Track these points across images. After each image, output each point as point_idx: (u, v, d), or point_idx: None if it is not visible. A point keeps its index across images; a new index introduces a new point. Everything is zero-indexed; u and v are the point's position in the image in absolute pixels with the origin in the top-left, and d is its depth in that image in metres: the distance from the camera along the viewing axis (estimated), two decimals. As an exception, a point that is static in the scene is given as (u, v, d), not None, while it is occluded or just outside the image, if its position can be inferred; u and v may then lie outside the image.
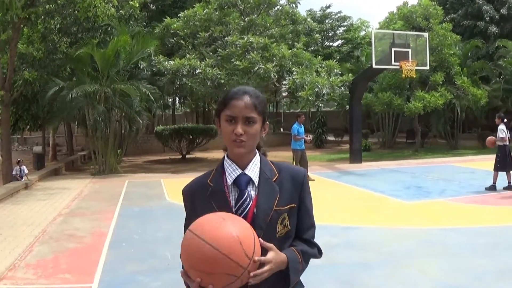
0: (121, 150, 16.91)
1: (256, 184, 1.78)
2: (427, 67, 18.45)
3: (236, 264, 1.46)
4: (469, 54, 24.64)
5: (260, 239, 1.61)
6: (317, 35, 21.98)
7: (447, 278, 5.34)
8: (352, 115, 18.45)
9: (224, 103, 1.78)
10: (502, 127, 10.94)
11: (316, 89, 16.14)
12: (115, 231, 7.82)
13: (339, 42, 31.72)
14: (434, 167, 16.19)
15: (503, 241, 6.71)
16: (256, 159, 1.82)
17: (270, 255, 1.61)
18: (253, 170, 1.79)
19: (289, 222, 1.78)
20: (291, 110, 42.35)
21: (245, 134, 1.72)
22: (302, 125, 13.17)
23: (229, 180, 1.78)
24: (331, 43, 32.07)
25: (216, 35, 16.77)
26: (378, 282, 5.33)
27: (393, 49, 17.07)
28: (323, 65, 17.81)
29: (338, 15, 32.12)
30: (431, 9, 21.39)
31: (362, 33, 31.58)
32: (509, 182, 10.96)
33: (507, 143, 10.83)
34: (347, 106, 23.51)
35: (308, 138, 13.62)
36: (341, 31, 32.01)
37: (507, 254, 6.07)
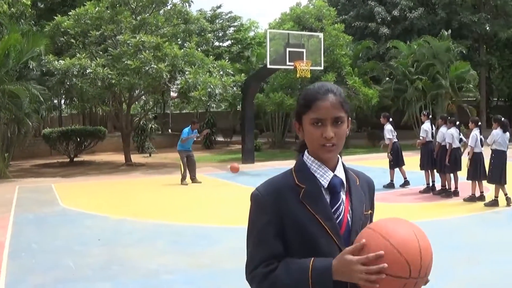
0: (9, 154, 18.17)
1: (346, 186, 1.92)
2: (321, 67, 21.60)
3: (408, 268, 1.63)
4: (360, 54, 29.04)
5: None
6: (209, 34, 24.59)
7: None
8: (244, 115, 21.14)
9: (307, 105, 1.85)
10: (388, 127, 12.95)
11: (209, 89, 18.36)
12: (12, 241, 8.41)
13: (229, 42, 34.76)
14: None
15: None
16: (340, 161, 1.95)
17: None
18: (341, 172, 1.92)
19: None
20: (183, 111, 44.88)
21: (335, 137, 1.82)
22: (195, 131, 15.35)
23: (324, 183, 1.87)
24: (221, 43, 35.05)
25: (108, 34, 18.57)
26: None
27: (287, 49, 19.67)
28: (216, 65, 20.25)
29: (229, 15, 35.33)
30: (324, 10, 25.01)
31: (252, 33, 34.85)
32: (405, 178, 13.42)
33: (396, 140, 13.19)
34: (239, 107, 26.21)
35: (206, 130, 15.84)
36: (231, 31, 35.11)
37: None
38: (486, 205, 11.04)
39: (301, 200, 1.84)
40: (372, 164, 19.01)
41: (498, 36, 35.09)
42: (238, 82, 19.99)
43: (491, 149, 11.23)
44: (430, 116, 13.52)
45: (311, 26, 24.63)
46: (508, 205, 10.84)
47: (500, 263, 6.91)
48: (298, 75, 20.14)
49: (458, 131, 12.34)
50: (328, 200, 1.86)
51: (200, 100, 18.60)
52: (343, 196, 1.89)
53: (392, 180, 13.29)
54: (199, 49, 23.05)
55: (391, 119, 13.16)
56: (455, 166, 12.07)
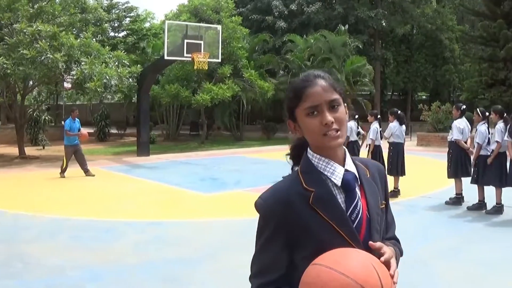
0: None
1: (359, 181, 1.94)
2: (219, 60, 23.91)
3: None
4: (257, 47, 31.97)
5: (370, 242, 1.83)
6: (106, 25, 26.25)
7: None
8: (140, 108, 23.09)
9: (297, 96, 1.90)
10: (376, 125, 12.91)
11: (105, 80, 19.94)
12: None
13: (125, 33, 36.48)
14: (225, 158, 21.43)
15: None
16: (347, 152, 1.98)
17: (388, 253, 1.83)
18: (351, 166, 1.95)
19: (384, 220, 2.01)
20: (77, 103, 46.07)
21: (336, 122, 1.84)
22: (77, 120, 16.37)
23: (336, 181, 1.89)
24: (116, 34, 36.71)
25: (4, 22, 20.01)
26: (201, 277, 6.79)
27: (185, 41, 21.54)
28: (112, 56, 21.96)
29: (125, 5, 37.08)
30: (222, 2, 27.49)
31: (148, 24, 36.82)
32: None
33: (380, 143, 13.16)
34: (134, 98, 28.10)
35: (85, 133, 16.35)
36: (127, 21, 36.86)
37: None
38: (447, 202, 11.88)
39: (311, 206, 1.85)
40: (269, 157, 21.36)
41: (395, 31, 39.23)
42: (134, 73, 21.81)
43: (388, 142, 12.64)
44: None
45: (208, 18, 27.04)
46: (395, 196, 11.99)
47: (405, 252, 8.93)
48: (195, 67, 22.12)
49: (357, 124, 13.60)
50: (342, 200, 1.87)
51: (95, 91, 20.06)
52: (358, 192, 1.91)
53: None
54: (94, 39, 24.58)
55: (379, 116, 13.50)
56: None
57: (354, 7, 36.98)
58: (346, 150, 1.98)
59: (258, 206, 1.96)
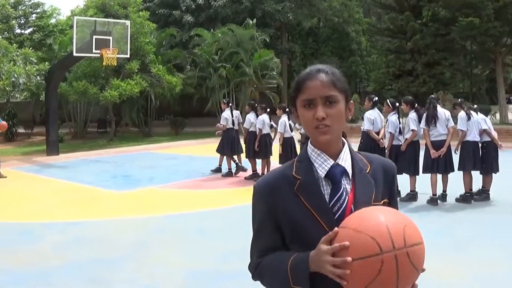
0: None
1: (350, 176, 2.16)
2: (128, 55, 25.37)
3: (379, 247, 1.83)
4: (164, 42, 33.96)
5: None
6: (13, 21, 27.18)
7: (195, 264, 7.54)
8: (48, 106, 23.73)
9: (298, 87, 2.16)
10: (285, 118, 13.96)
11: (13, 79, 21.15)
12: None
13: (31, 29, 37.31)
14: (135, 155, 22.69)
15: (236, 222, 9.81)
16: (346, 147, 2.22)
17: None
18: (345, 160, 2.18)
19: None
20: None
21: (328, 118, 2.08)
22: None
23: (321, 173, 2.14)
24: (23, 31, 37.51)
25: None
26: (127, 276, 7.10)
27: (94, 37, 22.55)
28: (19, 54, 23.12)
29: (32, 1, 37.85)
30: (129, -3, 29.17)
31: (54, 20, 37.86)
32: (220, 165, 15.97)
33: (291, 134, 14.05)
34: (42, 97, 28.92)
35: (3, 123, 16.42)
36: (33, 18, 37.72)
37: (241, 233, 9.34)
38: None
39: (296, 193, 2.11)
40: (179, 152, 23.00)
41: (302, 25, 42.01)
42: (42, 71, 23.18)
43: (300, 133, 14.17)
44: (231, 104, 16.21)
45: (116, 13, 28.63)
46: None
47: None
48: (104, 63, 23.48)
49: (269, 117, 14.71)
50: (328, 191, 2.11)
51: (4, 90, 21.39)
52: (346, 186, 2.13)
53: (254, 170, 15.09)
54: (1, 36, 25.56)
55: (287, 110, 14.29)
56: (266, 151, 14.52)
57: (261, 1, 39.57)
58: (347, 145, 2.22)
59: (253, 188, 2.25)
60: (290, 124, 14.01)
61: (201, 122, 37.40)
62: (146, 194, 13.50)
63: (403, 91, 32.75)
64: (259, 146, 14.49)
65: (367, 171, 2.21)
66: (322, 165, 2.16)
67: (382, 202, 2.19)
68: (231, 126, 15.75)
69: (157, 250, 8.35)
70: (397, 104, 12.36)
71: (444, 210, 10.73)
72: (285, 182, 2.17)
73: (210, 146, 17.85)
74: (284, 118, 13.98)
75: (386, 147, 11.90)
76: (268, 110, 15.11)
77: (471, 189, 11.34)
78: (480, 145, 11.42)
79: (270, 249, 2.19)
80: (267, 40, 36.83)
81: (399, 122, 12.14)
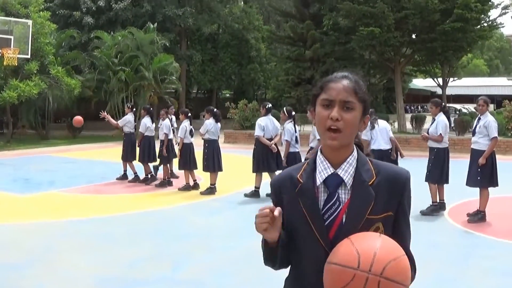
0: None
1: (349, 187, 2.25)
2: (29, 55, 25.41)
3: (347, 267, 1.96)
4: (64, 43, 33.50)
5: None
6: None
7: (103, 270, 7.57)
8: None
9: (321, 86, 2.31)
10: (186, 123, 14.20)
11: None
12: None
13: None
14: (34, 158, 22.61)
15: (141, 228, 10.10)
16: (353, 157, 2.30)
17: None
18: (346, 171, 2.27)
19: (385, 232, 2.20)
20: None
21: (342, 121, 2.20)
22: None
23: (318, 180, 2.28)
24: None
25: None
26: (33, 282, 7.07)
27: None
28: None
29: None
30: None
31: None
32: (125, 170, 15.91)
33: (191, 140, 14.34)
34: None
35: None
36: None
37: (147, 239, 9.26)
38: (202, 193, 13.70)
39: (296, 195, 2.29)
40: (79, 156, 23.09)
41: (202, 30, 42.47)
42: None
43: (203, 138, 13.82)
44: (134, 109, 16.54)
45: (16, 13, 28.27)
46: (212, 193, 13.57)
47: (228, 248, 8.82)
48: (5, 63, 23.52)
49: (170, 122, 15.11)
50: (324, 198, 2.25)
51: None
52: (342, 196, 2.24)
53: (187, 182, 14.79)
54: None
55: (189, 115, 14.69)
56: (169, 156, 14.99)
57: (162, 5, 40.00)
58: (356, 155, 2.31)
59: (270, 183, 2.50)
60: (191, 130, 14.29)
61: (99, 126, 37.15)
62: (49, 198, 13.47)
63: (302, 99, 33.80)
64: (166, 151, 14.88)
65: (371, 182, 2.26)
66: (321, 172, 2.28)
67: (383, 215, 2.23)
68: (133, 131, 16.06)
69: (64, 255, 8.34)
70: (293, 112, 12.99)
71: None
72: (290, 183, 2.34)
73: (110, 151, 18.28)
74: (185, 123, 14.22)
75: (283, 154, 12.59)
76: (189, 115, 15.12)
77: None
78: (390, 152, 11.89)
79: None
80: (167, 44, 37.31)
81: (295, 130, 12.71)
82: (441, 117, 10.99)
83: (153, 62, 34.00)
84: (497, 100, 62.82)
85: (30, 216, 11.34)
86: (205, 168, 13.86)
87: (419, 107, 74.45)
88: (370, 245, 1.99)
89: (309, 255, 2.25)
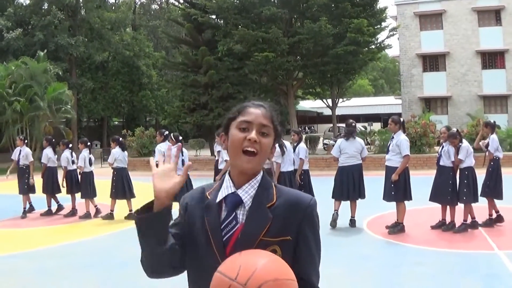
0: None
1: (247, 207, 2.35)
2: None
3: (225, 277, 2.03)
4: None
5: None
6: None
7: None
8: None
9: (239, 110, 2.42)
10: (85, 152, 14.85)
11: None
12: None
13: None
14: None
15: (75, 260, 10.05)
16: (256, 180, 2.41)
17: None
18: (247, 192, 2.38)
19: (282, 256, 2.20)
20: None
21: (259, 144, 2.32)
22: None
23: (219, 197, 2.40)
24: None
25: None
26: None
27: None
28: None
29: None
30: None
31: None
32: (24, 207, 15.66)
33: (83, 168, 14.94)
34: None
35: None
36: None
37: (86, 272, 9.17)
38: (103, 218, 14.45)
39: (202, 210, 2.40)
40: None
41: (92, 58, 42.97)
42: None
43: (112, 167, 14.49)
44: (26, 141, 16.66)
45: None
46: (129, 218, 13.97)
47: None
48: None
49: (71, 152, 15.51)
50: (223, 215, 2.35)
51: None
52: (239, 216, 2.34)
53: (49, 206, 15.65)
54: None
55: (89, 144, 15.50)
56: (72, 187, 15.25)
57: (54, 34, 40.72)
58: (260, 178, 2.41)
59: (183, 196, 2.57)
60: (90, 159, 14.96)
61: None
62: None
63: (198, 124, 34.72)
64: (67, 182, 15.29)
65: (269, 205, 2.33)
66: (223, 190, 2.39)
67: (279, 238, 2.28)
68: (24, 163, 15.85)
69: None
70: (180, 137, 14.20)
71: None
72: (200, 197, 2.45)
73: (11, 183, 17.62)
74: (85, 152, 14.86)
75: None
76: (70, 145, 15.96)
77: None
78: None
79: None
80: (60, 73, 37.71)
81: (182, 154, 13.45)
82: (402, 136, 11.47)
83: (47, 91, 34.18)
84: (383, 119, 66.62)
85: None
86: (113, 195, 14.48)
87: (307, 128, 77.04)
88: (254, 261, 2.05)
89: (208, 271, 2.19)
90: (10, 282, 8.75)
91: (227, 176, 2.42)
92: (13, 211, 16.09)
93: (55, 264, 9.87)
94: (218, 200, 2.36)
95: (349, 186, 12.26)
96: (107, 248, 11.28)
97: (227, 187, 2.37)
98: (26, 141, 16.59)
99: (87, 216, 14.81)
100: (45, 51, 36.19)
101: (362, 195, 12.46)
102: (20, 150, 15.66)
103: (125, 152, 14.81)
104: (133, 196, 14.60)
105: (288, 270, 2.09)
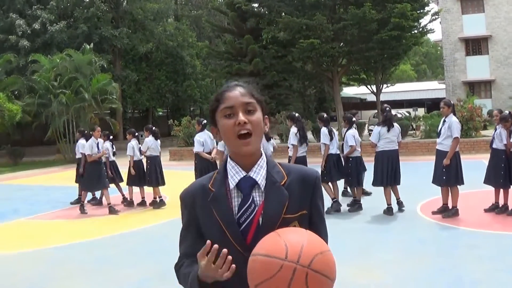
0: None
1: (263, 188, 2.35)
2: None
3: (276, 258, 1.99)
4: (0, 68, 33.45)
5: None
6: None
7: None
8: None
9: (217, 99, 2.39)
10: (134, 141, 15.26)
11: None
12: None
13: None
14: None
15: (130, 248, 10.39)
16: (262, 160, 2.42)
17: None
18: (258, 173, 2.38)
19: None
20: None
21: (249, 124, 2.31)
22: None
23: (231, 184, 2.36)
24: None
25: None
26: None
27: None
28: None
29: None
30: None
31: None
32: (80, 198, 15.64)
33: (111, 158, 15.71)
34: None
35: None
36: None
37: (141, 259, 9.47)
38: (154, 207, 14.80)
39: (209, 204, 2.35)
40: (29, 182, 23.30)
41: (136, 49, 43.25)
42: None
43: (145, 155, 15.00)
44: (111, 137, 16.68)
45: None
46: (159, 206, 14.69)
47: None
48: None
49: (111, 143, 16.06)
50: (238, 203, 2.33)
51: None
52: (257, 198, 2.33)
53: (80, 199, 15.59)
54: None
55: (136, 134, 15.74)
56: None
57: (97, 26, 40.96)
58: (264, 157, 2.45)
59: (180, 196, 2.52)
60: (140, 148, 15.25)
61: (40, 151, 37.48)
62: (20, 226, 13.56)
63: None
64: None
65: (282, 183, 2.37)
66: (233, 176, 2.36)
67: (298, 213, 2.35)
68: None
69: (62, 282, 8.41)
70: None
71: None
72: (202, 194, 2.41)
73: (58, 175, 18.41)
74: (133, 142, 15.19)
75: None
76: (111, 137, 16.35)
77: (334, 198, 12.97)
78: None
79: (192, 253, 2.35)
80: (105, 65, 37.86)
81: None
82: (454, 118, 11.42)
83: (92, 83, 34.42)
84: (427, 104, 65.78)
85: (9, 246, 11.33)
86: (148, 183, 14.91)
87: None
88: (298, 238, 2.06)
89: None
90: (69, 271, 9.00)
91: (230, 163, 2.41)
92: (62, 202, 16.51)
93: (109, 253, 10.12)
94: (232, 186, 2.36)
95: (389, 171, 12.24)
96: (165, 236, 11.20)
97: (236, 173, 2.37)
98: (111, 136, 16.64)
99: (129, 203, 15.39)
100: (91, 44, 36.33)
101: (398, 180, 12.46)
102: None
103: (158, 141, 15.16)
104: (164, 183, 15.03)
105: (323, 242, 2.15)
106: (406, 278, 7.83)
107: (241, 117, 2.29)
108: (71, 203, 16.16)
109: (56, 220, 14.17)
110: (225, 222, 2.30)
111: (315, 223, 2.44)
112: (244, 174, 2.36)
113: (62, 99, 32.65)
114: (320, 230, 2.42)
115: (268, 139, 13.00)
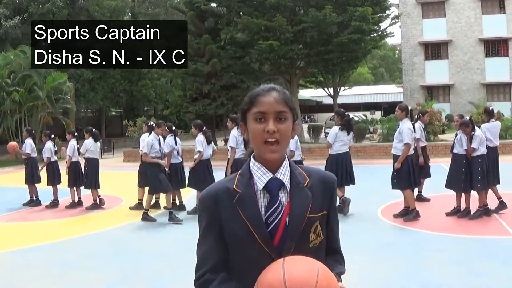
0: None
1: (288, 189, 2.43)
2: None
3: None
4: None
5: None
6: None
7: None
8: None
9: (251, 101, 2.42)
10: (73, 142, 15.20)
11: None
12: None
13: None
14: None
15: (92, 251, 10.27)
16: (286, 162, 2.48)
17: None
18: (284, 174, 2.45)
19: (322, 231, 2.43)
20: None
21: (278, 132, 2.36)
22: None
23: (259, 185, 2.41)
24: None
25: None
26: None
27: None
28: None
29: None
30: None
31: None
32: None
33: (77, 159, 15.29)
34: None
35: None
36: None
37: (106, 262, 9.40)
38: (131, 208, 14.45)
39: (235, 206, 2.36)
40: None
41: (91, 47, 42.74)
42: None
43: (84, 158, 14.91)
44: (53, 136, 16.24)
45: None
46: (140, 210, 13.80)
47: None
48: None
49: (53, 143, 15.76)
50: (265, 204, 2.38)
51: None
52: (283, 199, 2.39)
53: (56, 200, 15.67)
54: None
55: (76, 134, 15.76)
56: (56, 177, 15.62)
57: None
58: (287, 160, 2.49)
59: (199, 198, 2.52)
60: (78, 148, 15.26)
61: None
62: None
63: (201, 114, 34.64)
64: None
65: (305, 184, 2.44)
66: (261, 178, 2.40)
67: (320, 213, 2.43)
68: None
69: (28, 286, 8.30)
70: (174, 127, 14.35)
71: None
72: (226, 195, 2.40)
73: (12, 176, 17.91)
74: (73, 142, 15.21)
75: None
76: (52, 136, 15.99)
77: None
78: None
79: (210, 257, 2.42)
80: (57, 63, 36.85)
81: (175, 143, 13.84)
82: (406, 124, 11.67)
83: (46, 81, 34.07)
84: (384, 107, 66.72)
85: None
86: (86, 186, 14.96)
87: (306, 117, 77.39)
88: (310, 282, 2.10)
89: (255, 264, 2.28)
90: (34, 274, 8.82)
91: (256, 164, 2.45)
92: (18, 204, 16.03)
93: (71, 256, 9.99)
94: (260, 187, 2.39)
95: (343, 173, 12.46)
96: (127, 239, 11.30)
97: (263, 174, 2.41)
98: (52, 136, 16.20)
99: (72, 205, 15.13)
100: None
101: (353, 181, 12.81)
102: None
103: (98, 143, 15.29)
104: (98, 186, 14.97)
105: (334, 277, 2.23)
106: (371, 281, 7.95)
107: (271, 125, 2.34)
108: (24, 205, 15.87)
109: (12, 222, 13.89)
110: (254, 223, 2.34)
111: (331, 223, 2.55)
112: (272, 175, 2.41)
113: (15, 97, 32.17)
114: (335, 230, 2.60)
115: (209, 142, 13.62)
